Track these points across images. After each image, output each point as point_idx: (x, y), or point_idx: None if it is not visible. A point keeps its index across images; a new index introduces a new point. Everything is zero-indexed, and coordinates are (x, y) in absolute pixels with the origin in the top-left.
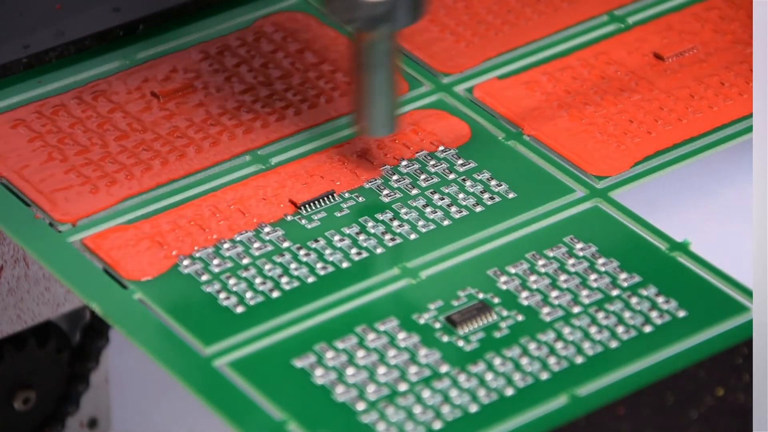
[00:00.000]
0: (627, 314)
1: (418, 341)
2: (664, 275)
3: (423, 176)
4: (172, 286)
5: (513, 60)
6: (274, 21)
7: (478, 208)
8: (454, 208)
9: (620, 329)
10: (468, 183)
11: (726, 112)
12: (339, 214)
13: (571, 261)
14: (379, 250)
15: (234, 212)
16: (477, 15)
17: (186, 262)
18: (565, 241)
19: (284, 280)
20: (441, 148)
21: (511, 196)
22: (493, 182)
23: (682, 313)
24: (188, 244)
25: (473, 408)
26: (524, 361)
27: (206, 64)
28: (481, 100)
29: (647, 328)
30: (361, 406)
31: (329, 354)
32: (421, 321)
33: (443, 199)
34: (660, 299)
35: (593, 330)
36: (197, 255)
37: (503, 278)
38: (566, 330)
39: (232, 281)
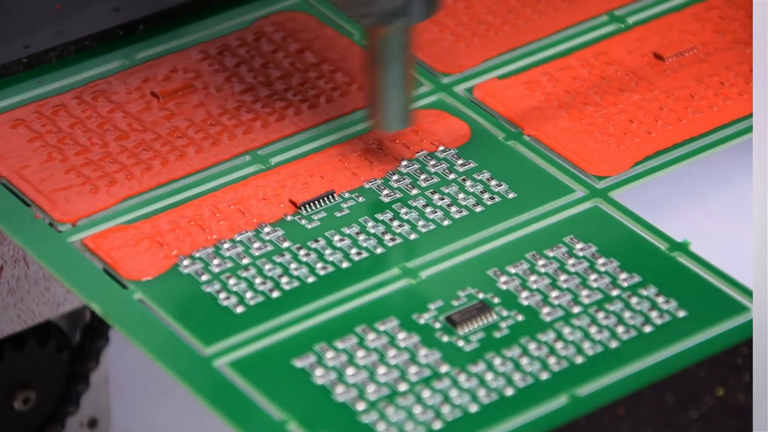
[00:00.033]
0: (627, 314)
1: (418, 341)
2: (664, 275)
3: (423, 176)
4: (172, 286)
5: (513, 60)
6: (274, 21)
7: (478, 208)
8: (454, 208)
9: (620, 329)
10: (468, 183)
11: (726, 112)
12: (339, 214)
13: (571, 261)
14: (379, 250)
15: (234, 212)
16: (477, 15)
17: (186, 262)
18: (565, 241)
19: (284, 280)
20: (441, 148)
21: (511, 196)
22: (493, 182)
23: (682, 313)
24: (188, 244)
25: (473, 408)
26: (524, 361)
27: (206, 64)
28: (481, 100)
29: (647, 328)
30: (361, 406)
31: (329, 354)
32: (421, 321)
33: (443, 199)
34: (660, 299)
35: (593, 330)
36: (197, 255)
37: (503, 278)
38: (566, 330)
39: (232, 281)
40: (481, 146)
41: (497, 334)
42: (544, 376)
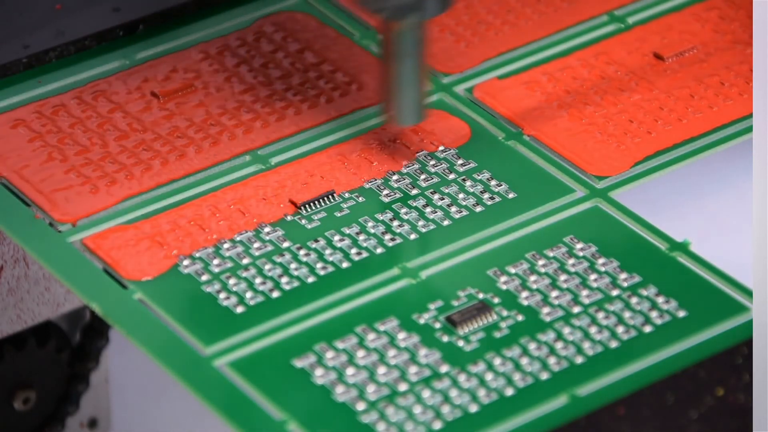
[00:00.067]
0: (627, 314)
1: (418, 341)
2: (664, 275)
3: (423, 176)
4: (172, 286)
5: (513, 60)
6: (274, 21)
7: (478, 208)
8: (454, 208)
9: (620, 329)
10: (468, 183)
11: (726, 112)
12: (339, 214)
13: (571, 261)
14: (379, 250)
15: (234, 212)
16: (477, 15)
17: (186, 262)
18: (565, 241)
19: (284, 280)
20: (441, 148)
21: (511, 196)
22: (493, 182)
23: (682, 313)
24: (188, 244)
25: (473, 408)
26: (524, 361)
27: (206, 64)
28: (481, 100)
29: (647, 328)
30: (361, 406)
31: (329, 354)
32: (421, 321)
33: (443, 199)
34: (660, 299)
35: (593, 330)
36: (197, 255)
37: (503, 278)
38: (566, 330)
39: (232, 281)
40: (481, 146)
41: (497, 334)
42: (544, 376)
